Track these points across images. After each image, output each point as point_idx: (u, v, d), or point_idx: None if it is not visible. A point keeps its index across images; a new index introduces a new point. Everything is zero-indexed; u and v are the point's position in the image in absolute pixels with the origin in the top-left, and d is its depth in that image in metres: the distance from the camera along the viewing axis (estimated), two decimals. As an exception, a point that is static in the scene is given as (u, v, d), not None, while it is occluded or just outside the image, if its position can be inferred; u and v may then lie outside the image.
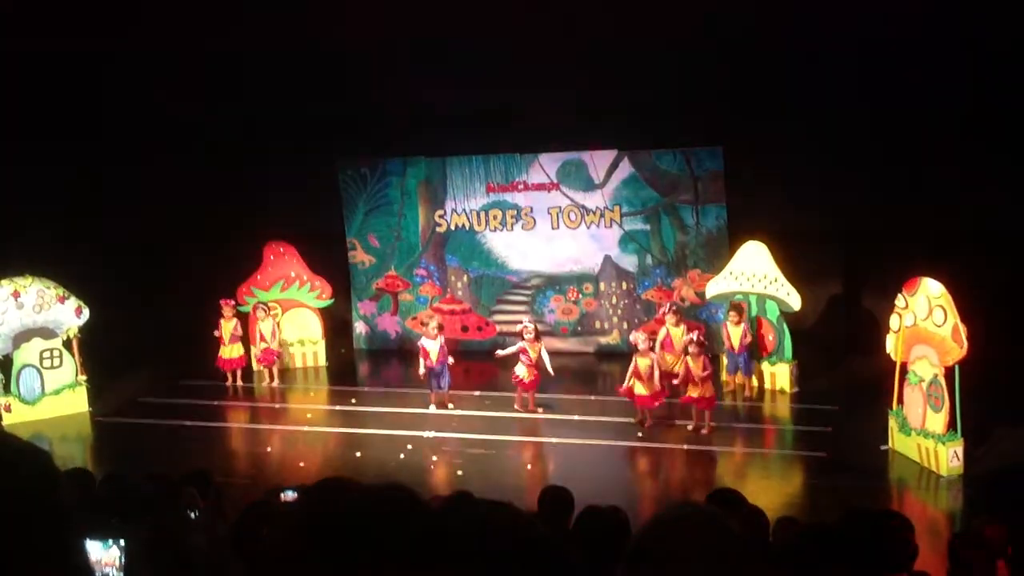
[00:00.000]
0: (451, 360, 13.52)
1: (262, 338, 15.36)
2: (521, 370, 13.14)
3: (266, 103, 15.56)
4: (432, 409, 13.55)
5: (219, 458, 12.05)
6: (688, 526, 2.03)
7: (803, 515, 9.57)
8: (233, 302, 15.36)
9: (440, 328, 13.71)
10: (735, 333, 13.67)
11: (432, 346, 13.41)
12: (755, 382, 13.89)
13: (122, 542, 4.70)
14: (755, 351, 13.95)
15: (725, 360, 13.99)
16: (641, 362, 12.34)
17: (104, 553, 4.68)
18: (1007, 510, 6.30)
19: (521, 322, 13.73)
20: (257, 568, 4.65)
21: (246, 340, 15.36)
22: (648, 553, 2.01)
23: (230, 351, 15.13)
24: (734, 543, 2.01)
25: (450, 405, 13.62)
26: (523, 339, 13.15)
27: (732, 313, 13.76)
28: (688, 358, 12.21)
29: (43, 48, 13.54)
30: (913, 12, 12.21)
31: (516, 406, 13.40)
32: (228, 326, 15.07)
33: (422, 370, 13.46)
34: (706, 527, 2.03)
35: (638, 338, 12.53)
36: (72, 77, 14.60)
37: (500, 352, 13.78)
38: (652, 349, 12.70)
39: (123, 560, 4.68)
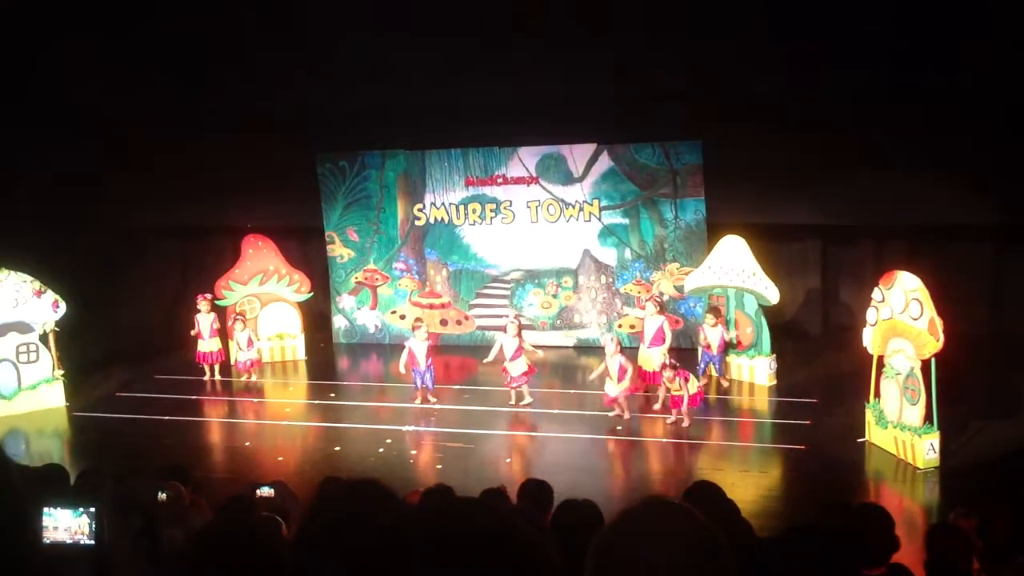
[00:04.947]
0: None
1: (239, 347, 15.18)
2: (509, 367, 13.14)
3: (245, 96, 15.46)
4: (418, 403, 13.51)
5: (197, 453, 12.03)
6: (655, 519, 2.02)
7: (781, 508, 9.67)
8: (210, 296, 15.27)
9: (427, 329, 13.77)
10: (713, 335, 13.71)
11: (420, 348, 13.40)
12: (726, 380, 13.91)
13: (92, 509, 4.70)
14: (729, 349, 13.98)
15: (700, 356, 13.99)
16: (611, 362, 12.45)
17: (74, 521, 4.69)
18: (982, 502, 6.35)
19: (505, 316, 13.77)
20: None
21: (224, 334, 15.28)
22: (615, 547, 2.00)
23: (208, 345, 15.07)
24: (703, 535, 2.00)
25: (432, 399, 13.59)
26: (504, 332, 13.14)
27: (709, 315, 13.77)
28: (664, 381, 12.31)
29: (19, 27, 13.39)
30: (888, 10, 12.26)
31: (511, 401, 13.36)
32: (206, 320, 15.00)
33: (402, 369, 13.44)
34: (673, 520, 2.02)
35: (607, 339, 12.87)
36: (49, 71, 14.47)
37: (487, 360, 13.54)
38: (620, 352, 12.67)
39: (93, 527, 4.68)
